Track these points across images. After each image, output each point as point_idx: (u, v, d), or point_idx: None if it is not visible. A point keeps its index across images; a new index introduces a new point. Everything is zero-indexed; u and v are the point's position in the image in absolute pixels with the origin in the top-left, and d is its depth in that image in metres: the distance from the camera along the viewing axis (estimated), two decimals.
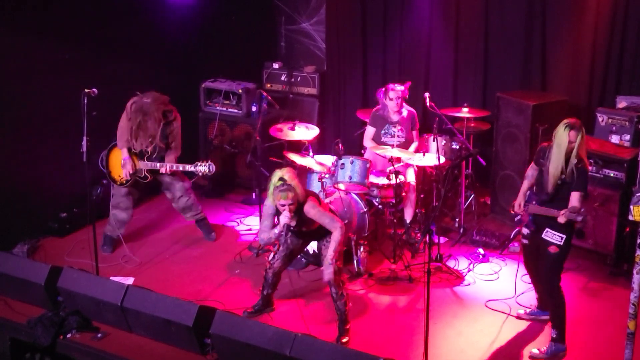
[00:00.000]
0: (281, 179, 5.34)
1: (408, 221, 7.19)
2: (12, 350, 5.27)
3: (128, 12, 7.73)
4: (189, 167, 6.63)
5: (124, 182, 6.76)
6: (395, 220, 6.93)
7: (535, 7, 7.71)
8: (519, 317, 5.91)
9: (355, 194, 6.86)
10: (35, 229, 7.17)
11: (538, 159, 5.45)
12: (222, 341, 4.84)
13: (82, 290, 5.29)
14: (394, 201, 6.91)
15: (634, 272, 4.72)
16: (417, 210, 7.26)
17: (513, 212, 5.67)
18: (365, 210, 6.86)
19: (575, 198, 5.16)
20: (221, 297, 6.21)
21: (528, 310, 5.95)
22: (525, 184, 5.61)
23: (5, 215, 6.87)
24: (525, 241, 5.65)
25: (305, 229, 5.58)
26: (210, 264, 6.86)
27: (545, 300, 5.74)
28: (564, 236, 5.28)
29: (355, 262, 6.64)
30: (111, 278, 6.13)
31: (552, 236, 5.30)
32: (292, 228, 5.51)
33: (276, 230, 5.44)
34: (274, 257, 5.74)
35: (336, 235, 5.44)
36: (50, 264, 5.69)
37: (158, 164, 6.72)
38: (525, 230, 5.60)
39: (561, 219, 5.12)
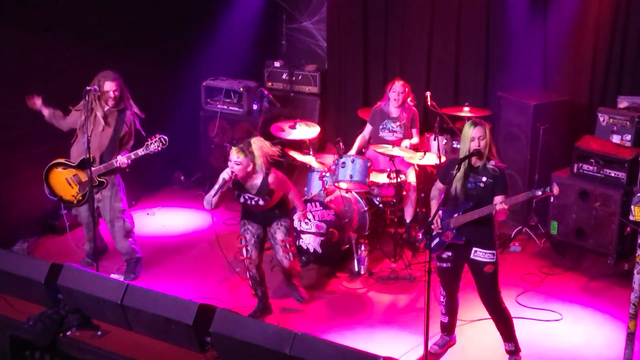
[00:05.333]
0: (249, 142, 5.52)
1: (408, 220, 7.19)
2: (12, 348, 5.26)
3: (129, 10, 7.73)
4: (141, 152, 6.07)
5: (81, 198, 6.27)
6: (395, 219, 6.92)
7: (537, 7, 7.70)
8: (435, 352, 5.48)
9: (356, 192, 6.85)
10: (35, 227, 7.17)
11: (445, 174, 5.17)
12: (222, 339, 4.83)
13: (82, 288, 5.26)
14: (394, 200, 6.91)
15: (635, 272, 4.73)
16: (417, 210, 7.26)
17: (424, 237, 5.10)
18: (365, 209, 6.86)
19: (499, 201, 4.96)
20: (221, 296, 6.22)
21: (436, 343, 5.54)
22: (435, 204, 5.31)
23: (6, 213, 6.87)
24: (446, 265, 5.27)
25: (263, 202, 5.69)
26: (210, 262, 6.85)
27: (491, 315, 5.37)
28: (494, 251, 5.12)
29: (355, 260, 6.64)
30: (111, 276, 6.13)
31: (483, 255, 5.10)
32: (229, 184, 5.59)
33: (216, 186, 5.53)
34: (247, 250, 5.76)
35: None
36: (50, 262, 5.68)
37: (111, 163, 6.13)
38: (445, 254, 5.24)
39: (500, 207, 4.87)
